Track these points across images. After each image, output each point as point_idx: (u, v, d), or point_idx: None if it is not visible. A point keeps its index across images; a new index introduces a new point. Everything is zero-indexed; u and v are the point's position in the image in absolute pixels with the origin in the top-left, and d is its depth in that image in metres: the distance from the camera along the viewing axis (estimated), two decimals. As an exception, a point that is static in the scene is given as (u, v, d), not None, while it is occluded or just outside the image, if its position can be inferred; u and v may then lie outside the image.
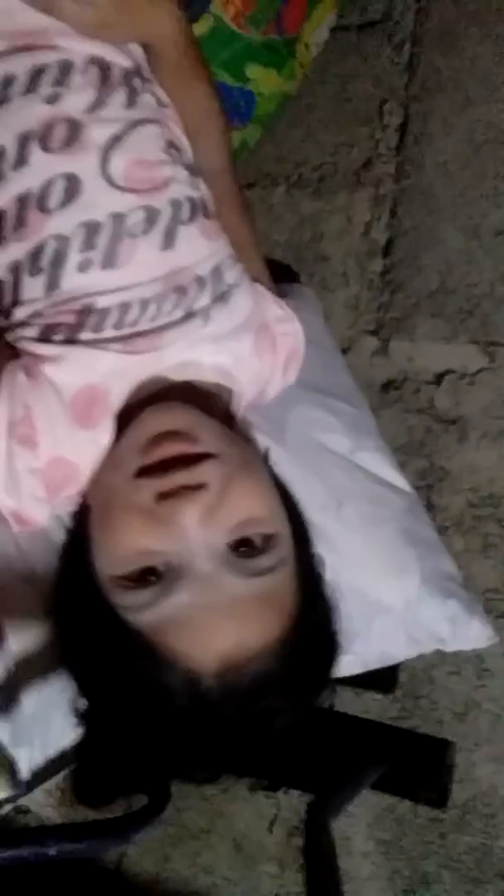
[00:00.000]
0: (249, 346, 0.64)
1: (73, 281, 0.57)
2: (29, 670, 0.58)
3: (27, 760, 0.58)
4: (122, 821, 0.55)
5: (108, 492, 0.53)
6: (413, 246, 1.11)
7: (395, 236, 1.13)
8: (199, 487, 0.50)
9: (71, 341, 0.56)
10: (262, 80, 0.97)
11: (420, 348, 1.08)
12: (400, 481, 0.80)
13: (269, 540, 0.52)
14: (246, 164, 1.17)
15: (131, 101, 0.61)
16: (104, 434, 0.57)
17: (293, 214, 1.19)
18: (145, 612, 0.49)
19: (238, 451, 0.55)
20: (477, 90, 1.09)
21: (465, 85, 1.10)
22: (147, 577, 0.50)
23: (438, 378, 1.07)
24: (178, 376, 0.61)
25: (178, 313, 0.60)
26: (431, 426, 1.06)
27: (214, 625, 0.49)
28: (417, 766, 0.77)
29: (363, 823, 1.01)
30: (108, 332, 0.57)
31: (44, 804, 1.18)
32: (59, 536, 0.59)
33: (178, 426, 0.52)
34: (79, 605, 0.54)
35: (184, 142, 0.66)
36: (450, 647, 0.73)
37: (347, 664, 0.69)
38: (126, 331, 0.58)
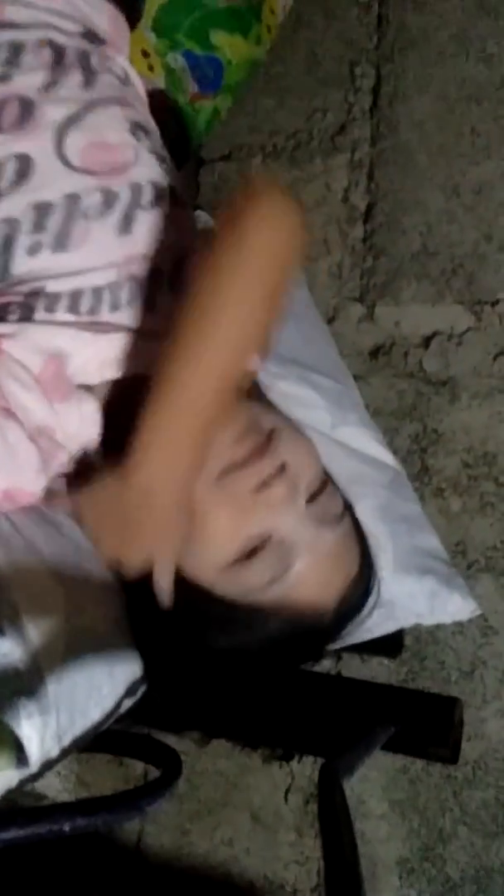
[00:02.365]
0: None
1: (22, 265, 0.55)
2: (51, 656, 0.57)
3: (42, 741, 0.58)
4: (134, 793, 0.55)
5: (193, 497, 0.54)
6: (393, 209, 1.09)
7: (374, 200, 1.11)
8: (283, 468, 0.55)
9: (27, 319, 0.55)
10: (229, 46, 0.95)
11: (406, 312, 1.08)
12: (383, 455, 0.80)
13: (325, 485, 0.59)
14: (219, 137, 1.16)
15: (88, 82, 0.60)
16: (86, 402, 0.57)
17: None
18: (273, 587, 0.55)
19: (280, 416, 0.60)
20: (448, 46, 1.07)
21: (435, 41, 1.08)
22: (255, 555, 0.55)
23: (426, 341, 1.06)
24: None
25: (137, 304, 0.59)
26: (422, 389, 1.06)
27: (329, 575, 0.57)
28: (427, 725, 0.77)
29: (378, 786, 1.02)
30: (63, 316, 0.56)
31: (60, 790, 1.19)
32: (74, 531, 0.60)
33: (248, 420, 0.57)
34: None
35: (152, 124, 0.65)
36: (428, 622, 0.76)
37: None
38: (85, 318, 0.57)
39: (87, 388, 0.58)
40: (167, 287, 0.60)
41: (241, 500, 0.55)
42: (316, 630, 0.59)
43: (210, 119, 1.01)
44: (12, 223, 0.55)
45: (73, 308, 0.56)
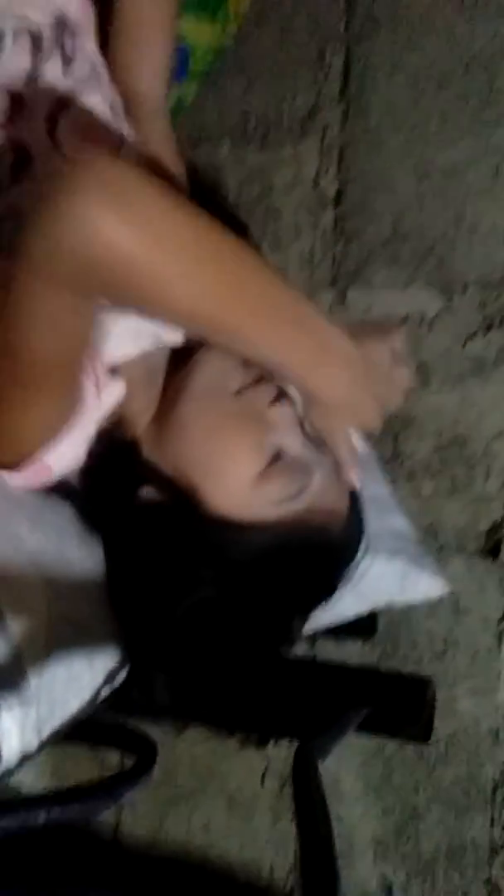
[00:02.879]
0: None
1: None
2: (32, 648, 0.57)
3: (22, 733, 0.57)
4: (110, 781, 0.55)
5: (216, 416, 0.58)
6: (364, 193, 1.09)
7: (344, 185, 1.11)
8: (285, 393, 0.59)
9: None
10: (195, 32, 0.94)
11: (378, 296, 1.08)
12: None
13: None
14: (187, 122, 1.14)
15: (68, 68, 0.60)
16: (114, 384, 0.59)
17: (240, 170, 1.16)
18: (300, 497, 0.57)
19: None
20: (417, 28, 1.07)
21: (404, 24, 1.08)
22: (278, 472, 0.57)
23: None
24: (171, 340, 0.62)
25: None
26: (393, 374, 1.06)
27: (338, 482, 0.61)
28: (400, 705, 0.78)
29: (352, 766, 1.04)
30: None
31: (34, 783, 1.19)
32: (65, 519, 0.61)
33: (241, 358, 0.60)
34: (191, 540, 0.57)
35: (121, 107, 0.65)
36: (400, 601, 0.77)
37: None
38: None
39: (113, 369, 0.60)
40: None
41: (260, 413, 0.58)
42: (330, 544, 0.60)
43: (175, 108, 0.99)
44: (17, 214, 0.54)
45: None
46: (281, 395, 0.59)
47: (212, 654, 0.59)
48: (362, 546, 0.64)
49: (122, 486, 0.58)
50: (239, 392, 0.58)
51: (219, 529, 0.56)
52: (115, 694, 0.62)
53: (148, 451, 0.59)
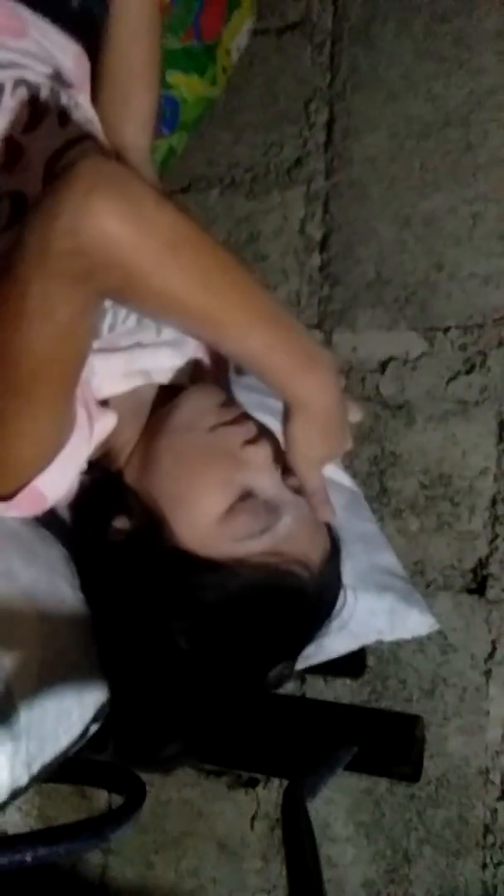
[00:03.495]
0: (193, 345, 0.67)
1: None
2: (24, 683, 0.57)
3: (12, 768, 0.57)
4: (97, 821, 0.54)
5: (188, 449, 0.58)
6: (348, 239, 1.13)
7: (330, 231, 1.15)
8: (263, 433, 0.60)
9: None
10: (185, 85, 0.98)
11: (362, 338, 1.11)
12: (340, 476, 0.81)
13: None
14: (177, 171, 1.19)
15: (63, 120, 0.62)
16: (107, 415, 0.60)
17: (229, 216, 1.20)
18: (264, 536, 0.57)
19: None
20: (398, 84, 1.12)
21: (385, 80, 1.13)
22: (244, 511, 0.57)
23: (382, 366, 1.09)
24: (160, 379, 0.64)
25: (132, 320, 0.63)
26: (379, 413, 1.08)
27: (313, 530, 0.60)
28: (389, 743, 0.78)
29: (342, 808, 1.03)
30: None
31: (22, 826, 1.16)
32: (57, 554, 0.61)
33: (226, 397, 0.63)
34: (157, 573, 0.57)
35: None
36: (388, 638, 0.77)
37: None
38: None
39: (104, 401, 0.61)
40: None
41: (233, 451, 0.58)
42: (300, 594, 0.58)
43: (166, 157, 1.03)
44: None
45: None
46: (260, 437, 0.59)
47: (193, 696, 0.58)
48: (340, 597, 0.63)
49: (100, 517, 0.59)
50: (214, 428, 0.58)
51: (185, 565, 0.56)
52: (105, 734, 0.62)
53: (130, 483, 0.60)
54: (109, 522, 0.58)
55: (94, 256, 0.45)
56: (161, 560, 0.57)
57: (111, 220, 0.44)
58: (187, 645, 0.56)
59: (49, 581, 0.59)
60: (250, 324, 0.51)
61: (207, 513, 0.57)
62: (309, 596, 0.58)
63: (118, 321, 0.62)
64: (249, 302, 0.51)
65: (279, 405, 0.61)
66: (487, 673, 0.99)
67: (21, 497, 0.56)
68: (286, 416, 0.56)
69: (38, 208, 0.45)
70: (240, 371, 0.73)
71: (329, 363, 0.55)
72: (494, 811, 0.97)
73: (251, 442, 0.59)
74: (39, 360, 0.49)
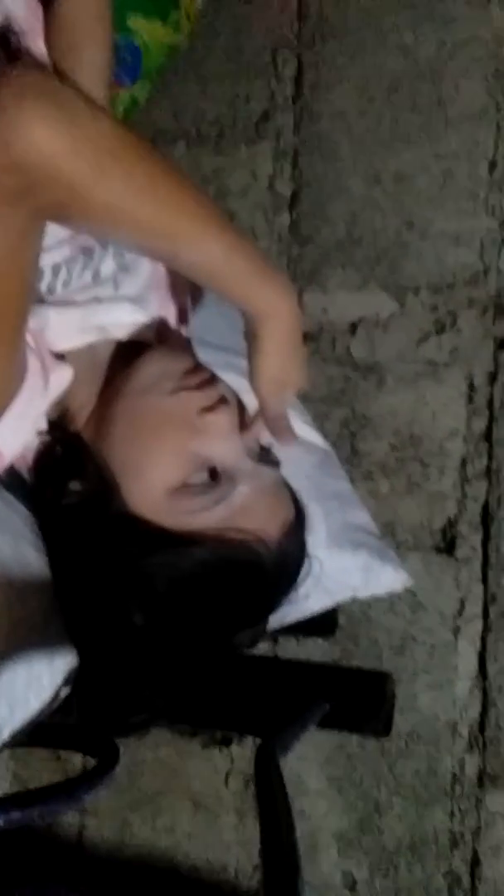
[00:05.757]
0: (156, 303, 0.65)
1: None
2: None
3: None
4: (71, 783, 0.55)
5: (144, 413, 0.57)
6: (318, 197, 1.11)
7: (299, 188, 1.13)
8: (226, 401, 0.57)
9: None
10: (147, 31, 0.94)
11: (333, 299, 1.10)
12: (312, 436, 0.81)
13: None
14: (141, 123, 1.15)
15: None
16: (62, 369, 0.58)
17: (195, 172, 1.17)
18: (218, 507, 0.55)
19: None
20: (367, 37, 1.09)
21: (355, 32, 1.10)
22: (197, 482, 0.56)
23: (353, 327, 1.09)
24: (119, 335, 0.62)
25: (87, 276, 0.60)
26: (350, 375, 1.08)
27: (274, 501, 0.59)
28: (360, 700, 0.79)
29: (315, 763, 1.05)
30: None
31: (-2, 790, 1.17)
32: (21, 518, 0.60)
33: (194, 360, 0.60)
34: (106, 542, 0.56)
35: None
36: (363, 594, 0.77)
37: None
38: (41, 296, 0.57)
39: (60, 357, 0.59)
40: (111, 258, 0.63)
41: (189, 418, 0.56)
42: (258, 569, 0.57)
43: (128, 108, 0.99)
44: None
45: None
46: (220, 403, 0.57)
47: (155, 665, 0.57)
48: (303, 570, 0.62)
49: (58, 479, 0.58)
50: (174, 392, 0.56)
51: (134, 536, 0.55)
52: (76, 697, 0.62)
53: (87, 445, 0.58)
54: (66, 485, 0.57)
55: (31, 171, 0.43)
56: (110, 527, 0.55)
57: (44, 130, 0.42)
58: (142, 620, 0.55)
59: (14, 545, 0.58)
60: (206, 228, 0.49)
61: (158, 482, 0.55)
62: (267, 569, 0.57)
63: (73, 277, 0.60)
64: (201, 206, 0.49)
65: (245, 364, 0.61)
66: (456, 630, 1.01)
67: None
68: (249, 337, 0.55)
69: None
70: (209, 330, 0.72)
71: (284, 276, 0.54)
72: (462, 762, 1.00)
73: (210, 409, 0.56)
74: None
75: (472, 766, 1.00)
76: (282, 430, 0.58)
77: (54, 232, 0.57)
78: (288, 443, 0.59)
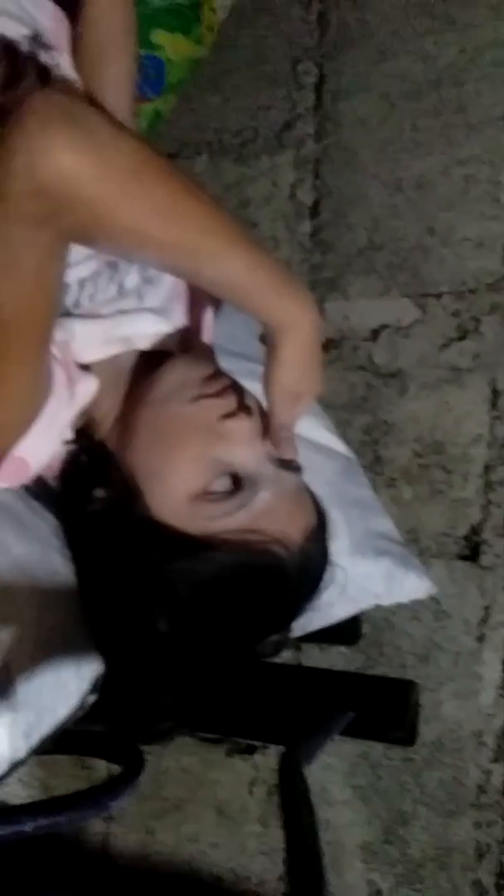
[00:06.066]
0: (179, 313, 0.66)
1: None
2: (21, 656, 0.57)
3: (11, 739, 0.57)
4: (97, 790, 0.55)
5: (166, 421, 0.57)
6: (339, 205, 1.11)
7: (320, 196, 1.13)
8: (249, 408, 0.57)
9: None
10: (170, 45, 0.95)
11: (355, 306, 1.10)
12: (334, 443, 0.81)
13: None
14: (165, 136, 1.16)
15: (43, 80, 0.61)
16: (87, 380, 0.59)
17: (217, 182, 1.18)
18: (240, 513, 0.56)
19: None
20: (388, 43, 1.09)
21: (375, 39, 1.10)
22: (219, 488, 0.56)
23: (375, 334, 1.08)
24: (142, 345, 0.62)
25: (112, 289, 0.61)
26: (372, 381, 1.08)
27: (296, 506, 0.59)
28: (384, 708, 0.79)
29: (339, 773, 1.04)
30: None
31: (24, 797, 1.18)
32: (49, 526, 0.60)
33: (216, 367, 0.60)
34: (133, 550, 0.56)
35: None
36: (386, 602, 0.77)
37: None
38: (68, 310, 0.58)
39: (86, 367, 0.60)
40: (136, 271, 0.64)
41: (211, 424, 0.56)
42: (280, 573, 0.56)
43: (152, 121, 1.00)
44: None
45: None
46: (241, 409, 0.57)
47: (180, 673, 0.58)
48: (327, 578, 0.62)
49: (83, 487, 0.58)
50: (195, 400, 0.57)
51: (158, 542, 0.55)
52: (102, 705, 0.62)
53: (112, 453, 0.59)
54: (91, 493, 0.57)
55: (55, 195, 0.43)
56: (134, 533, 0.56)
57: (67, 154, 0.43)
58: (167, 626, 0.55)
59: (42, 553, 0.58)
60: (228, 245, 0.50)
61: (181, 488, 0.55)
62: (289, 574, 0.57)
63: (98, 290, 0.61)
64: (222, 223, 0.50)
65: None
66: (481, 638, 1.00)
67: (3, 465, 0.55)
68: (269, 346, 0.55)
69: None
70: (230, 339, 0.72)
71: (304, 288, 0.54)
72: (488, 772, 0.99)
73: (231, 415, 0.57)
74: (7, 314, 0.48)
75: (497, 775, 0.99)
76: (285, 441, 0.58)
77: (80, 248, 0.58)
78: (287, 456, 0.59)
